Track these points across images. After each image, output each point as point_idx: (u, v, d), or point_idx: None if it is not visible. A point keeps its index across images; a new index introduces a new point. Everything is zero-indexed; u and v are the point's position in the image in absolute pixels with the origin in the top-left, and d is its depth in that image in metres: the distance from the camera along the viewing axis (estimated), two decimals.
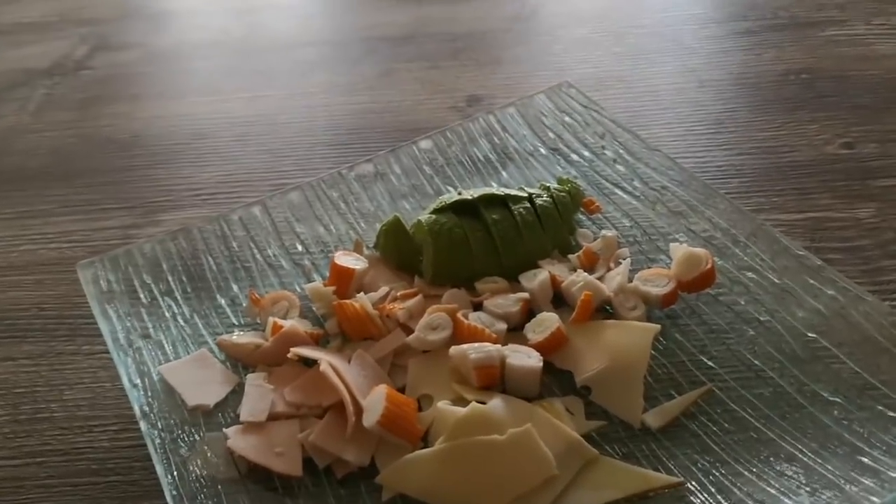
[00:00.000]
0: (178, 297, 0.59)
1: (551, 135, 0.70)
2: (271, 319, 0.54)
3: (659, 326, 0.51)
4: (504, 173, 0.68)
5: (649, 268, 0.56)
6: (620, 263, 0.57)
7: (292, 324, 0.54)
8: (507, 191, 0.60)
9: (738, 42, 0.85)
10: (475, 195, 0.59)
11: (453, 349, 0.50)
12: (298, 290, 0.59)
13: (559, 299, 0.56)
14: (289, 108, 0.83)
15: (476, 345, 0.50)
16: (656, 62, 0.84)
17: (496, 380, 0.50)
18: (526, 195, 0.60)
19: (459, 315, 0.53)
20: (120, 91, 0.88)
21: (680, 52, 0.85)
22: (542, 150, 0.69)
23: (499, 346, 0.50)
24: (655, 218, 0.62)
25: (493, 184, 0.66)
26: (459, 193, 0.60)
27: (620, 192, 0.64)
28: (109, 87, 0.89)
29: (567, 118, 0.71)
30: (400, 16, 0.97)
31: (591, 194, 0.64)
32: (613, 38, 0.89)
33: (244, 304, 0.58)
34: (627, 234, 0.61)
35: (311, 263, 0.61)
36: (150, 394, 0.51)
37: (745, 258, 0.57)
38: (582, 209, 0.63)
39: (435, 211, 0.59)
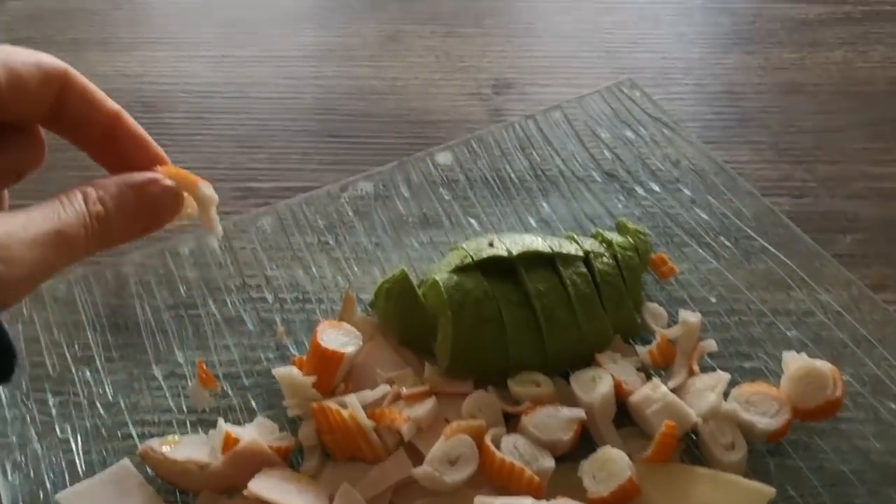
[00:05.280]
0: (100, 367, 0.43)
1: (608, 154, 0.54)
2: (223, 426, 0.38)
3: (774, 491, 0.36)
4: (545, 205, 0.51)
5: (745, 373, 0.42)
6: (711, 368, 0.42)
7: (253, 438, 0.38)
8: (556, 245, 0.44)
9: (835, 32, 0.67)
10: (514, 252, 0.43)
11: (479, 501, 0.35)
12: (264, 361, 0.44)
13: (621, 410, 0.41)
14: (265, 77, 0.65)
15: (513, 501, 0.35)
16: (732, 51, 0.67)
17: None
18: (581, 254, 0.44)
19: (488, 441, 0.38)
20: (53, 34, 0.69)
21: (762, 39, 0.68)
22: (597, 176, 0.53)
23: (544, 502, 0.35)
24: (747, 290, 0.46)
25: (531, 219, 0.50)
26: (491, 244, 0.44)
27: (697, 247, 0.49)
28: (41, 27, 0.70)
29: (629, 132, 0.55)
30: None
31: (660, 248, 0.48)
32: (676, 14, 0.71)
33: (190, 383, 0.42)
34: (709, 310, 0.45)
35: (282, 322, 0.45)
36: None
37: (872, 366, 0.43)
38: (649, 268, 0.47)
39: (457, 269, 0.43)
